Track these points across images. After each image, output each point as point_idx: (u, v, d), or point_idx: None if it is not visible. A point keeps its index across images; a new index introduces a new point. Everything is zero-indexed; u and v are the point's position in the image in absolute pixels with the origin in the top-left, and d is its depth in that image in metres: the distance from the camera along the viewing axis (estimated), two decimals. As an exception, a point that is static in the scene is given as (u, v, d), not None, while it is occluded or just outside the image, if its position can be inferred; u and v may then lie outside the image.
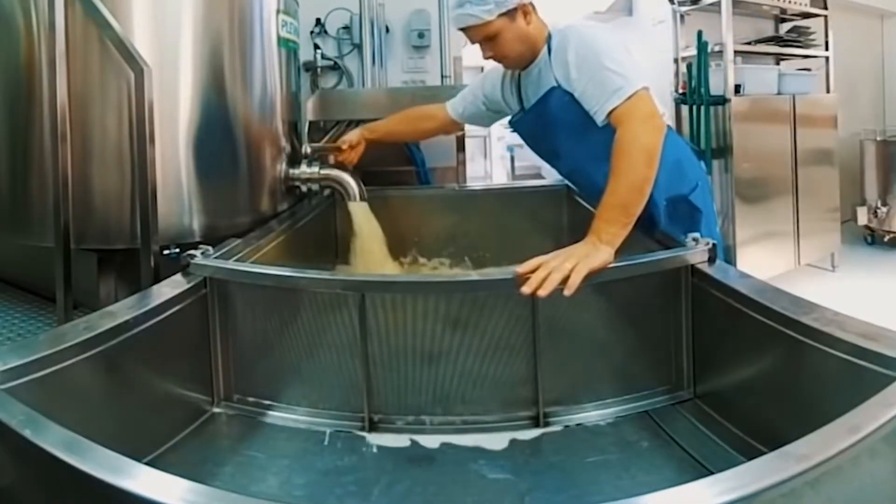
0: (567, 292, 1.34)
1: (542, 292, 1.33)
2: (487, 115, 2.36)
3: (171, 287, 1.52)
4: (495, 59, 1.97)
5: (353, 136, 2.56)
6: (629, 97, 1.64)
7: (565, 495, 1.25)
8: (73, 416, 1.06)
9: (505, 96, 2.17)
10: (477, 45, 1.94)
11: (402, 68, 3.52)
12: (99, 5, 1.90)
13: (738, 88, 4.66)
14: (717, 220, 2.17)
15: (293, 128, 2.62)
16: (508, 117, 2.26)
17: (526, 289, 1.34)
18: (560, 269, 1.36)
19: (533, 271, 1.36)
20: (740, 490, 0.72)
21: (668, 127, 1.75)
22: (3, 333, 2.06)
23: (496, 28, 1.85)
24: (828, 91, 5.58)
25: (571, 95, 1.81)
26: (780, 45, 5.39)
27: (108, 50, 1.93)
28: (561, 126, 1.90)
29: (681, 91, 4.64)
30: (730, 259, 3.96)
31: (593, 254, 1.42)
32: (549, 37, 1.93)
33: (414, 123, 2.55)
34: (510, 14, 1.85)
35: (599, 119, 1.72)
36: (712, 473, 0.77)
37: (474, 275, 1.61)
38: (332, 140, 2.81)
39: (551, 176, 3.29)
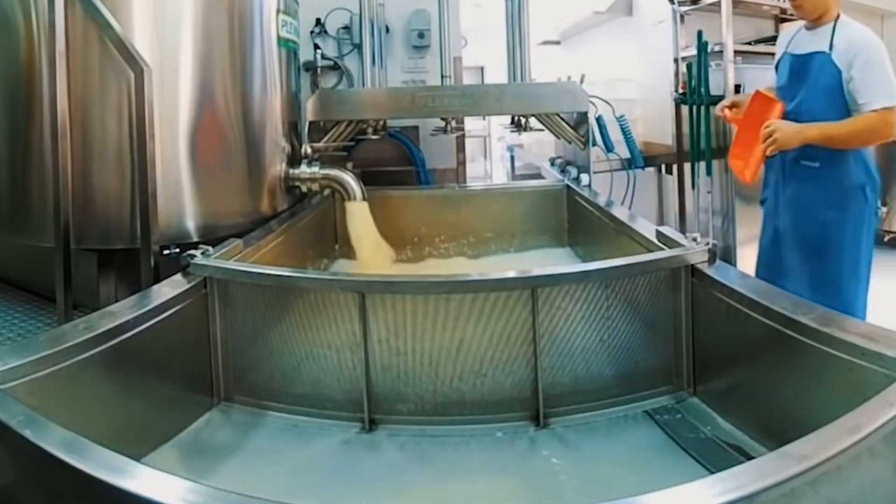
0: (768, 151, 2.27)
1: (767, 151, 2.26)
2: None
3: (171, 287, 1.52)
4: (795, 2, 2.51)
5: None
6: (891, 106, 2.29)
7: (565, 495, 1.25)
8: (73, 416, 1.06)
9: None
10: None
11: (402, 68, 3.52)
12: (99, 5, 1.90)
13: (738, 88, 4.64)
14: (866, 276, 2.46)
15: (293, 128, 2.62)
16: None
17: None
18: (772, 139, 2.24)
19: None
20: (740, 490, 0.72)
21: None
22: (3, 333, 2.06)
23: None
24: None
25: (836, 67, 2.34)
26: (780, 45, 5.38)
27: (108, 50, 1.93)
28: (808, 79, 2.44)
29: (681, 91, 4.62)
30: (732, 260, 3.97)
31: (792, 141, 2.26)
32: (838, 17, 2.43)
33: None
34: None
35: (861, 104, 2.29)
36: (712, 473, 0.77)
37: (474, 275, 1.60)
38: (333, 140, 2.80)
39: (551, 176, 3.29)
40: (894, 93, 2.29)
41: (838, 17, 2.44)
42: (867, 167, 2.42)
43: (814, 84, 2.42)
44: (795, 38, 2.60)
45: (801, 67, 2.49)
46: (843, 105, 2.34)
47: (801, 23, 2.61)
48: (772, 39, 5.41)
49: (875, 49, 2.35)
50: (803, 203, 2.42)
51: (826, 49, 2.39)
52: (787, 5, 5.24)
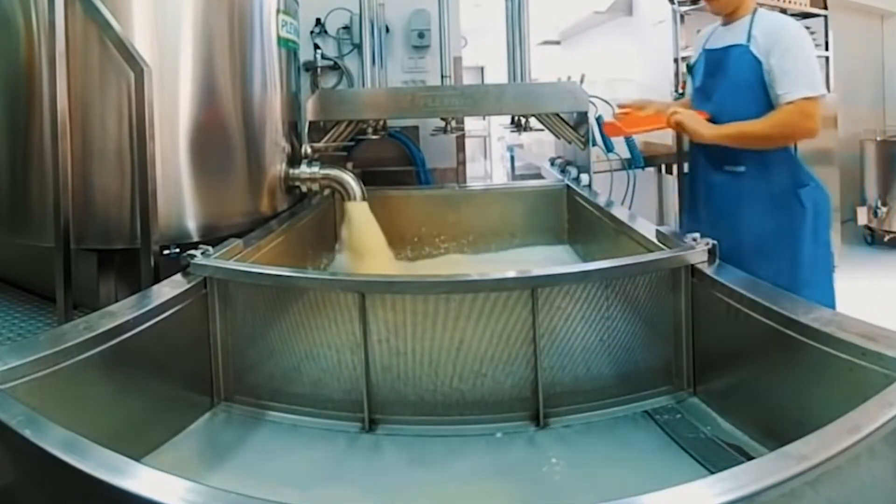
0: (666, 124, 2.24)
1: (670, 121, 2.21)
2: None
3: (171, 287, 1.52)
4: None
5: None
6: (813, 97, 2.08)
7: (565, 495, 1.25)
8: (73, 416, 1.06)
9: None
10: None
11: (402, 68, 3.52)
12: (99, 5, 1.90)
13: (737, 88, 4.64)
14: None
15: (293, 128, 2.62)
16: None
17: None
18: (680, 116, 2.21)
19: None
20: (740, 490, 0.72)
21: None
22: (3, 333, 2.06)
23: None
24: (827, 91, 5.57)
25: (755, 58, 2.15)
26: (780, 45, 5.38)
27: (108, 50, 1.93)
28: (726, 75, 2.27)
29: (681, 91, 4.63)
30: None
31: (698, 126, 2.18)
32: (756, 11, 2.27)
33: None
34: None
35: (780, 94, 2.10)
36: (712, 473, 0.77)
37: (474, 275, 1.61)
38: (333, 140, 2.80)
39: (551, 176, 3.29)
40: (816, 83, 2.07)
41: (756, 10, 2.26)
42: (800, 169, 2.22)
43: (732, 79, 2.22)
44: (712, 37, 2.40)
45: (716, 63, 2.28)
46: (765, 101, 2.13)
47: (718, 22, 2.40)
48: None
49: (794, 36, 2.15)
50: (731, 215, 2.22)
51: (744, 41, 2.20)
52: (786, 5, 5.26)
